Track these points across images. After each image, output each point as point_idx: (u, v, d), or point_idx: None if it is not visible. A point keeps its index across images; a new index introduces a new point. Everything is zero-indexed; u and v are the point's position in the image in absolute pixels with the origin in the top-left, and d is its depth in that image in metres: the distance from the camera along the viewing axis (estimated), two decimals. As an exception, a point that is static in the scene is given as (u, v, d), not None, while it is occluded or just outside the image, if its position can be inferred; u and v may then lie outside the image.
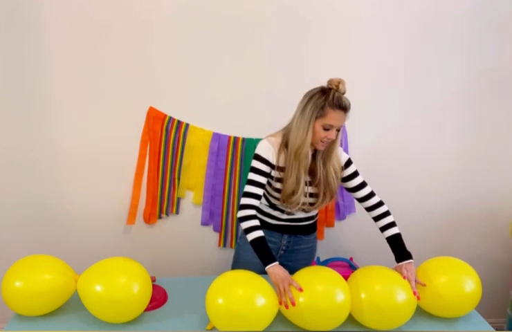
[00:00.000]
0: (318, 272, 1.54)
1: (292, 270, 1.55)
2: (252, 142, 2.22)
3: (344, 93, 1.57)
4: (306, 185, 1.67)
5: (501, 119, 2.31)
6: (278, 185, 1.69)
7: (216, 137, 2.21)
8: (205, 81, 2.16)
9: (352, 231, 2.39)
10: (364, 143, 2.28)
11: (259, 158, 1.65)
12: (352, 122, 2.24)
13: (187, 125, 2.20)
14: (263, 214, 1.81)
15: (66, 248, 2.13)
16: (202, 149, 2.23)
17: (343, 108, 1.55)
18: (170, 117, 2.19)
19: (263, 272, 1.55)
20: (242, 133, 2.22)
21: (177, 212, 2.30)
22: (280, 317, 1.48)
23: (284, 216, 1.78)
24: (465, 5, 2.16)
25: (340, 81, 1.57)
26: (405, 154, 2.32)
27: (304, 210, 1.74)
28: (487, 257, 2.43)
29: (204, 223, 2.31)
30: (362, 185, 1.73)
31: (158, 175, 2.25)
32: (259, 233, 1.57)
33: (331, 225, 2.38)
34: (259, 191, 1.64)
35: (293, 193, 1.64)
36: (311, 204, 1.71)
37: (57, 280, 1.48)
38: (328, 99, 1.55)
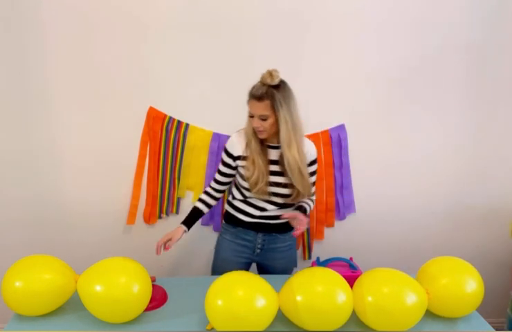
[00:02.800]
0: (318, 272, 1.54)
1: (271, 270, 1.59)
2: (252, 142, 2.22)
3: (266, 82, 1.60)
4: (278, 175, 1.72)
5: (502, 119, 2.31)
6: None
7: (216, 137, 2.21)
8: (205, 81, 2.16)
9: (352, 231, 2.39)
10: (365, 143, 2.28)
11: (224, 149, 1.79)
12: (352, 122, 2.26)
13: (187, 125, 2.20)
14: (236, 211, 1.84)
15: (66, 248, 2.14)
16: (202, 149, 2.23)
17: (255, 97, 1.61)
18: (170, 117, 2.19)
19: (240, 269, 1.69)
20: (242, 133, 2.22)
21: (177, 212, 2.30)
22: (280, 318, 1.48)
23: (257, 213, 1.80)
24: (464, 4, 2.17)
25: (267, 71, 1.61)
26: (405, 154, 2.32)
27: (282, 205, 1.78)
28: (487, 257, 2.43)
29: (204, 223, 2.31)
30: (312, 184, 1.82)
31: (158, 175, 2.26)
32: (197, 203, 1.82)
33: (331, 225, 2.38)
34: (221, 178, 1.81)
35: (256, 181, 1.69)
36: (288, 195, 1.74)
37: (57, 280, 1.48)
38: (250, 89, 1.64)
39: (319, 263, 1.87)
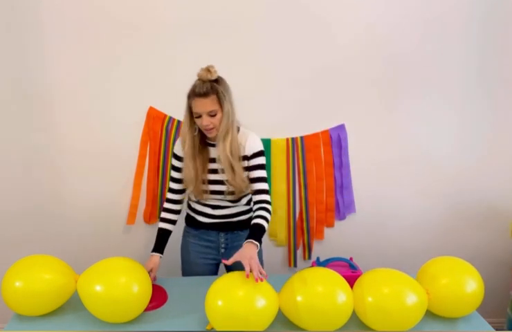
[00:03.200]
0: (319, 273, 1.54)
1: (238, 267, 1.54)
2: (252, 142, 2.22)
3: (206, 78, 1.57)
4: (216, 172, 1.70)
5: (502, 119, 2.31)
6: None
7: (216, 137, 2.21)
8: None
9: (352, 231, 2.39)
10: (365, 143, 2.29)
11: (172, 155, 1.77)
12: (352, 122, 2.26)
13: (187, 125, 2.20)
14: (194, 212, 1.83)
15: (66, 248, 2.14)
16: (202, 149, 2.23)
17: (200, 94, 1.57)
18: (170, 117, 2.19)
19: (208, 273, 1.80)
20: (242, 133, 2.22)
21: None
22: (280, 318, 1.48)
23: (214, 212, 1.79)
24: (466, 4, 2.17)
25: (204, 68, 1.58)
26: (405, 154, 2.32)
27: (231, 201, 1.76)
28: (487, 257, 2.43)
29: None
30: (260, 179, 1.70)
31: (158, 175, 2.25)
32: (161, 225, 1.78)
33: (331, 225, 2.38)
34: (175, 185, 1.78)
35: (190, 182, 1.69)
36: (231, 192, 1.71)
37: (57, 280, 1.48)
38: (190, 90, 1.61)
39: (319, 263, 1.87)
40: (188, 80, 2.14)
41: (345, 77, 2.21)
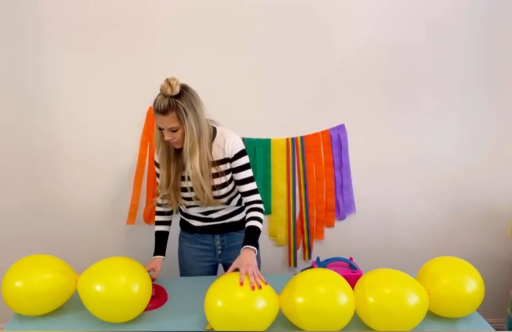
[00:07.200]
0: (319, 274, 1.53)
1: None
2: (252, 142, 2.22)
3: (167, 94, 1.50)
4: (185, 180, 1.65)
5: (501, 119, 2.31)
6: None
7: (216, 137, 2.21)
8: (204, 81, 2.14)
9: (352, 231, 2.39)
10: (365, 143, 2.29)
11: (154, 161, 1.77)
12: (352, 122, 2.26)
13: (187, 125, 2.20)
14: (188, 217, 1.82)
15: (66, 248, 2.13)
16: (202, 149, 2.22)
17: (159, 111, 1.51)
18: (170, 117, 2.19)
19: (206, 275, 1.79)
20: (242, 133, 2.21)
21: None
22: (280, 319, 1.48)
23: (209, 216, 1.77)
24: (467, 6, 2.17)
25: (166, 81, 1.52)
26: (405, 154, 2.32)
27: (222, 203, 1.73)
28: (487, 257, 2.43)
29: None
30: (247, 180, 1.69)
31: (158, 175, 2.25)
32: (157, 228, 1.80)
33: (331, 225, 2.38)
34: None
35: (163, 188, 1.68)
36: (197, 199, 1.68)
37: (57, 280, 1.48)
38: (153, 103, 1.55)
39: (319, 263, 1.87)
40: (188, 80, 2.15)
41: (345, 77, 2.21)
